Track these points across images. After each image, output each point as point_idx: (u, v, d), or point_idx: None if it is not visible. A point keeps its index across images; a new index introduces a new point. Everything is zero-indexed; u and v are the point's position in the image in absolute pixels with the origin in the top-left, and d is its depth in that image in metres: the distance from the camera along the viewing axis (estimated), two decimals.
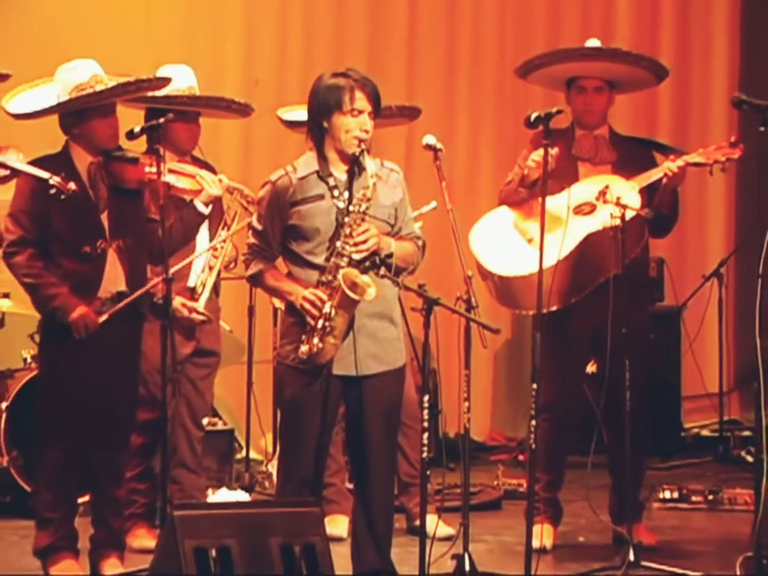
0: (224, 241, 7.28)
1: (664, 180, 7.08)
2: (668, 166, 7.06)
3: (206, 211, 6.96)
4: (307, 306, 5.86)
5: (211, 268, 7.27)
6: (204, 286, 7.22)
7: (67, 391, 6.58)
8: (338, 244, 5.89)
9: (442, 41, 10.27)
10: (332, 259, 5.89)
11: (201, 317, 7.18)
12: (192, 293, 7.21)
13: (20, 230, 6.49)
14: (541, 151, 6.52)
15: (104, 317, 6.45)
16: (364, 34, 10.04)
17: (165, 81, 7.00)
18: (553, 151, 6.77)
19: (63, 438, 6.59)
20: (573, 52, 7.37)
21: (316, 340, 5.85)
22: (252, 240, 6.08)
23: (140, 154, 6.68)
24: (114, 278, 6.56)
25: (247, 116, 7.80)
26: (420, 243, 6.18)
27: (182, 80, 7.41)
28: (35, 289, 6.54)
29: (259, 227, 6.04)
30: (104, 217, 6.57)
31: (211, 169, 7.30)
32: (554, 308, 6.92)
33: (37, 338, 6.98)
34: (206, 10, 9.68)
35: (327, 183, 5.96)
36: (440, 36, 10.25)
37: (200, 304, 7.17)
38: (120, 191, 6.59)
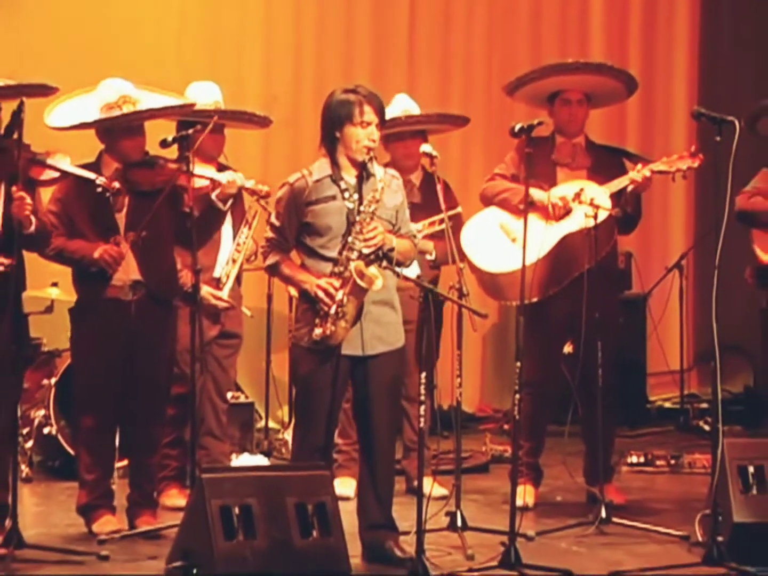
0: (246, 237, 7.28)
1: (632, 187, 7.06)
2: (633, 176, 7.05)
3: (223, 207, 7.00)
4: (321, 294, 5.88)
5: (234, 261, 7.27)
6: (228, 276, 7.22)
7: (96, 365, 6.58)
8: (350, 239, 5.91)
9: (438, 61, 10.21)
10: (344, 253, 5.91)
11: (225, 304, 7.18)
12: (218, 283, 7.22)
13: (51, 229, 6.44)
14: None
15: (126, 249, 6.45)
16: (368, 55, 9.98)
17: (190, 106, 7.03)
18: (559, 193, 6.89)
19: (96, 410, 6.59)
20: (566, 66, 7.32)
21: (329, 324, 5.86)
22: (270, 234, 6.08)
23: (164, 158, 6.68)
24: (127, 268, 6.53)
25: (267, 127, 7.80)
26: (415, 241, 6.22)
27: (209, 95, 7.40)
28: (61, 255, 6.54)
29: (277, 223, 6.04)
30: (120, 216, 6.55)
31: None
32: (535, 299, 6.89)
33: None
34: (231, 32, 9.62)
35: (339, 186, 5.97)
36: (436, 56, 10.20)
37: (224, 293, 7.15)
38: (138, 193, 6.57)
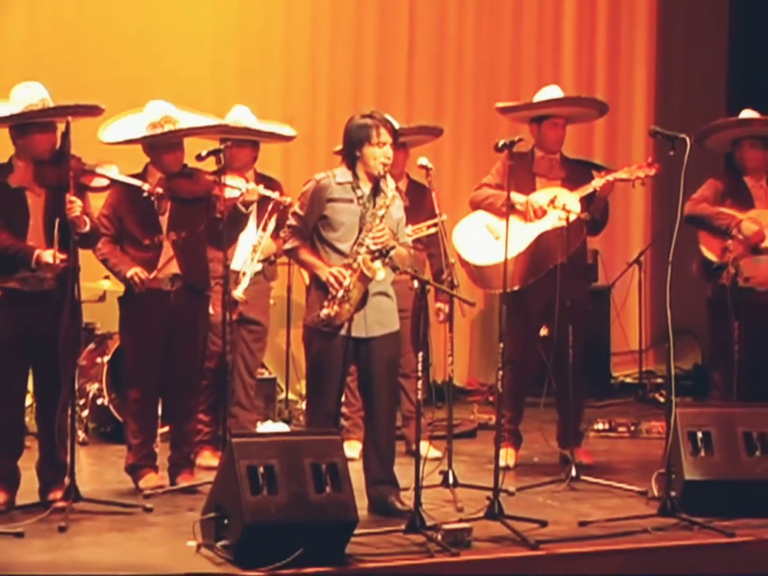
0: (261, 239, 7.26)
1: (597, 191, 7.07)
2: (597, 184, 7.05)
3: (245, 210, 7.00)
4: (332, 279, 5.90)
5: (252, 260, 7.27)
6: (245, 274, 7.21)
7: (142, 347, 6.59)
8: (361, 236, 5.94)
9: (432, 84, 10.19)
10: (354, 247, 5.93)
11: (238, 299, 7.18)
12: (236, 276, 7.16)
13: (103, 230, 6.49)
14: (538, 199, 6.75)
15: (155, 273, 6.46)
16: (373, 79, 9.94)
17: (222, 127, 7.05)
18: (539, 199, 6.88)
19: (142, 384, 6.62)
20: (560, 100, 7.31)
21: (335, 305, 5.89)
22: (292, 222, 6.10)
23: (201, 170, 6.69)
24: (168, 264, 6.54)
25: (289, 141, 7.84)
26: (411, 250, 6.29)
27: (242, 117, 7.44)
28: (108, 262, 6.60)
29: (300, 212, 6.05)
30: (163, 219, 6.56)
31: (273, 182, 7.31)
32: (516, 288, 6.91)
33: None
34: (256, 61, 9.60)
35: (356, 193, 6.00)
36: (431, 80, 10.17)
37: (239, 290, 7.09)
38: (178, 200, 6.58)
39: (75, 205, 5.93)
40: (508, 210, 6.29)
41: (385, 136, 5.97)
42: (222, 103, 7.77)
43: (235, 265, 7.19)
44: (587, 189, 7.07)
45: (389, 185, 6.01)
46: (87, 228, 6.05)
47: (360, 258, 5.90)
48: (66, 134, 5.96)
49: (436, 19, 10.21)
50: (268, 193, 6.99)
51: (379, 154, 5.96)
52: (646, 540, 5.66)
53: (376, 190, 6.02)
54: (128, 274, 6.47)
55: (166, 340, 6.56)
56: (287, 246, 6.13)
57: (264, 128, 7.50)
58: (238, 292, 7.11)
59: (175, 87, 8.01)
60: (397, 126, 7.32)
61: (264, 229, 7.24)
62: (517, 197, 6.92)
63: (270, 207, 7.13)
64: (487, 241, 7.11)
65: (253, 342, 7.43)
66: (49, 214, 6.09)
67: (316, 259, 6.03)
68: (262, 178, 7.28)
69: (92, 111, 6.27)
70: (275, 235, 7.16)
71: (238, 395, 7.30)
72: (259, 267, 7.30)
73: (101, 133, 6.59)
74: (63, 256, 5.94)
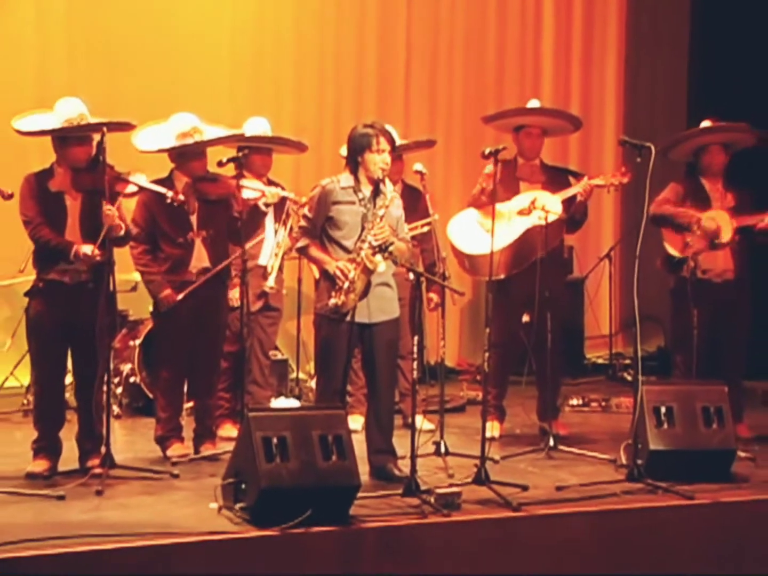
0: (283, 237, 7.27)
1: (579, 196, 7.08)
2: (579, 189, 7.05)
3: (266, 210, 7.00)
4: (338, 273, 5.90)
5: (276, 255, 7.25)
6: (273, 268, 7.22)
7: (171, 332, 6.60)
8: (363, 233, 5.93)
9: (427, 101, 10.17)
10: (357, 244, 5.93)
11: (269, 290, 7.21)
12: (264, 271, 7.21)
13: (138, 230, 6.49)
14: (489, 167, 6.61)
15: (181, 296, 6.47)
16: (374, 94, 9.92)
17: (240, 136, 7.04)
18: (487, 170, 6.83)
19: (170, 363, 6.62)
20: (531, 110, 7.33)
21: (342, 295, 5.88)
22: (303, 223, 6.10)
23: (222, 175, 6.68)
24: (200, 258, 6.57)
25: (304, 152, 7.81)
26: (410, 244, 6.27)
27: (260, 127, 7.44)
28: (143, 275, 6.63)
29: (309, 215, 6.05)
30: (193, 218, 6.57)
31: (279, 186, 7.29)
32: (501, 276, 6.91)
33: None
34: (270, 78, 9.59)
35: (357, 195, 6.00)
36: (425, 94, 10.16)
37: (270, 281, 7.15)
38: (205, 201, 6.60)
39: (112, 214, 5.96)
40: (494, 207, 6.26)
41: (384, 144, 5.97)
42: (238, 115, 7.75)
43: (262, 261, 7.23)
44: (569, 193, 7.07)
45: (388, 187, 6.01)
46: (122, 232, 6.08)
47: (363, 253, 5.90)
48: (100, 146, 5.95)
49: (430, 43, 10.19)
50: (285, 193, 7.06)
51: (378, 160, 5.95)
52: (616, 502, 5.67)
53: (376, 192, 6.01)
54: (161, 295, 6.51)
55: (192, 325, 6.56)
56: (299, 244, 6.14)
57: (287, 139, 7.53)
58: (270, 283, 7.15)
59: (197, 100, 7.98)
60: (396, 135, 7.37)
61: (285, 227, 7.26)
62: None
63: (287, 208, 7.15)
64: (477, 233, 7.10)
65: (269, 326, 7.44)
66: (84, 215, 6.11)
67: (325, 255, 6.02)
68: (271, 183, 7.29)
69: (124, 127, 6.30)
70: (290, 233, 7.20)
71: (255, 374, 7.31)
72: (277, 261, 7.33)
73: (135, 141, 6.58)
74: (99, 253, 5.96)
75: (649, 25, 10.84)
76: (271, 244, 7.26)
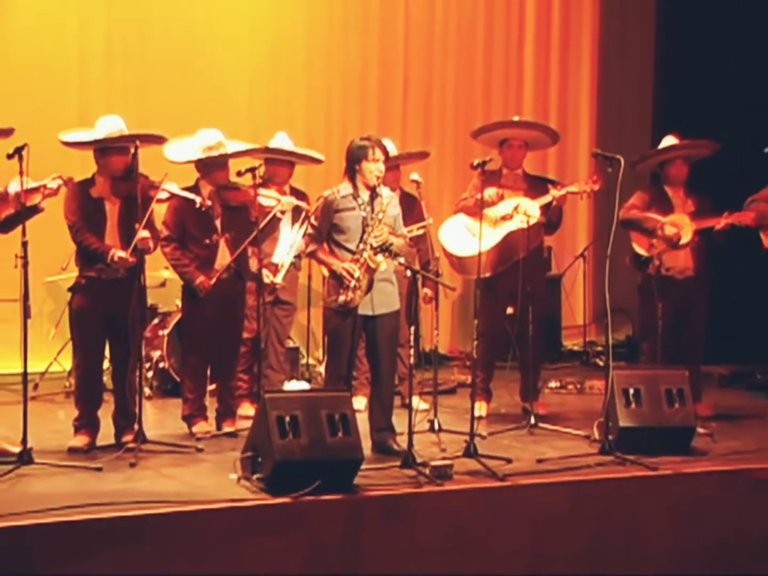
0: (295, 239, 7.26)
1: (554, 201, 7.06)
2: (554, 195, 7.02)
3: (282, 216, 6.98)
4: (344, 273, 5.90)
5: (288, 254, 7.25)
6: (283, 266, 7.19)
7: (197, 324, 6.59)
8: (365, 236, 5.92)
9: (422, 117, 10.14)
10: (360, 246, 5.92)
11: (277, 285, 7.17)
12: (276, 267, 7.19)
13: (168, 232, 6.51)
14: (491, 191, 6.73)
15: (213, 280, 6.46)
16: (376, 110, 9.91)
17: (261, 149, 7.03)
18: (490, 192, 6.83)
19: (196, 351, 6.62)
20: (511, 123, 7.33)
21: (349, 292, 5.88)
22: (310, 231, 6.11)
23: (242, 184, 6.67)
24: (224, 257, 6.54)
25: (320, 164, 7.80)
26: (407, 240, 6.24)
27: (283, 142, 7.45)
28: (176, 267, 6.60)
29: (315, 223, 6.05)
30: (217, 222, 6.55)
31: (302, 193, 7.33)
32: (487, 275, 6.88)
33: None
34: (284, 97, 9.56)
35: (357, 201, 5.98)
36: (421, 114, 10.13)
37: (279, 277, 7.11)
38: (227, 207, 6.58)
39: (147, 237, 6.01)
40: (481, 214, 6.26)
41: (379, 154, 5.96)
42: (257, 130, 7.75)
43: (275, 259, 7.20)
44: (546, 199, 7.04)
45: (384, 191, 6.00)
46: (152, 251, 6.16)
47: (365, 254, 5.89)
48: (134, 156, 5.96)
49: (425, 66, 10.14)
50: (297, 202, 7.08)
51: (373, 168, 5.94)
52: (590, 473, 5.67)
53: (373, 197, 5.99)
54: (197, 282, 6.47)
55: (215, 317, 6.54)
56: (308, 249, 6.13)
57: (300, 152, 7.52)
58: (278, 279, 7.12)
59: (219, 117, 7.93)
60: (393, 148, 7.34)
61: (298, 231, 7.24)
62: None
63: (303, 214, 7.13)
64: (466, 237, 7.07)
65: (284, 317, 7.42)
66: (121, 219, 6.13)
67: (331, 257, 6.01)
68: (294, 190, 7.32)
69: (157, 140, 6.31)
70: (305, 236, 7.19)
71: (271, 360, 7.29)
72: (292, 260, 7.31)
73: (166, 153, 6.57)
74: (134, 259, 5.97)
75: (618, 47, 10.79)
76: (284, 245, 7.23)
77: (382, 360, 6.06)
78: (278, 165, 7.22)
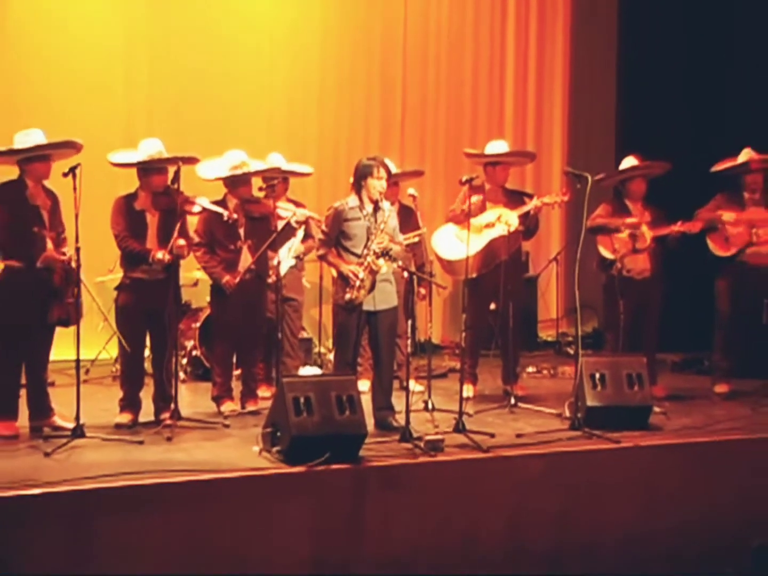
0: (293, 245, 7.25)
1: (532, 211, 7.08)
2: (531, 206, 7.05)
3: (296, 226, 7.01)
4: (351, 274, 5.91)
5: (287, 256, 7.22)
6: (279, 264, 7.11)
7: (224, 318, 6.60)
8: (368, 243, 5.94)
9: (418, 138, 10.13)
10: (364, 251, 5.94)
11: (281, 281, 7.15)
12: (278, 267, 7.16)
13: (199, 239, 6.53)
14: (474, 198, 6.74)
15: (237, 279, 6.47)
16: (378, 131, 9.89)
17: (275, 170, 7.05)
18: (474, 198, 6.85)
19: (223, 341, 6.64)
20: (508, 153, 7.34)
21: (354, 291, 5.89)
22: (321, 237, 6.12)
23: (262, 198, 6.71)
24: (246, 261, 6.55)
25: (308, 177, 7.80)
26: (404, 246, 6.26)
27: (278, 161, 7.41)
28: (206, 269, 6.62)
29: (326, 230, 6.07)
30: (241, 231, 6.57)
31: (298, 203, 7.33)
32: (474, 275, 6.88)
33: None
34: (299, 120, 9.53)
35: (362, 212, 6.00)
36: (417, 135, 10.12)
37: (283, 268, 6.95)
38: (250, 218, 6.60)
39: (183, 247, 6.04)
40: (469, 224, 6.28)
41: (383, 173, 5.97)
42: (275, 150, 7.72)
43: (275, 261, 7.17)
44: (524, 209, 7.06)
45: (385, 205, 6.01)
46: (186, 257, 6.19)
47: (369, 258, 5.91)
48: (176, 175, 6.00)
49: (419, 96, 10.12)
50: (310, 213, 7.11)
51: (377, 184, 5.95)
52: (561, 446, 5.68)
53: (376, 209, 6.01)
54: (224, 281, 6.49)
55: (240, 313, 6.55)
56: (319, 253, 6.13)
57: (297, 169, 7.55)
58: (283, 269, 7.08)
59: (243, 140, 7.91)
60: (393, 166, 7.37)
61: (294, 237, 7.25)
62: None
63: (304, 219, 7.14)
64: (454, 243, 7.09)
65: (293, 313, 7.41)
66: (160, 229, 6.16)
67: (339, 260, 6.02)
68: (291, 201, 7.32)
69: (191, 160, 6.33)
70: (303, 240, 7.23)
71: (286, 349, 7.26)
72: (293, 262, 7.31)
73: (198, 171, 6.60)
74: (171, 257, 5.99)
75: (586, 79, 10.72)
76: (284, 247, 7.20)
77: (382, 349, 6.08)
78: (278, 182, 7.19)
